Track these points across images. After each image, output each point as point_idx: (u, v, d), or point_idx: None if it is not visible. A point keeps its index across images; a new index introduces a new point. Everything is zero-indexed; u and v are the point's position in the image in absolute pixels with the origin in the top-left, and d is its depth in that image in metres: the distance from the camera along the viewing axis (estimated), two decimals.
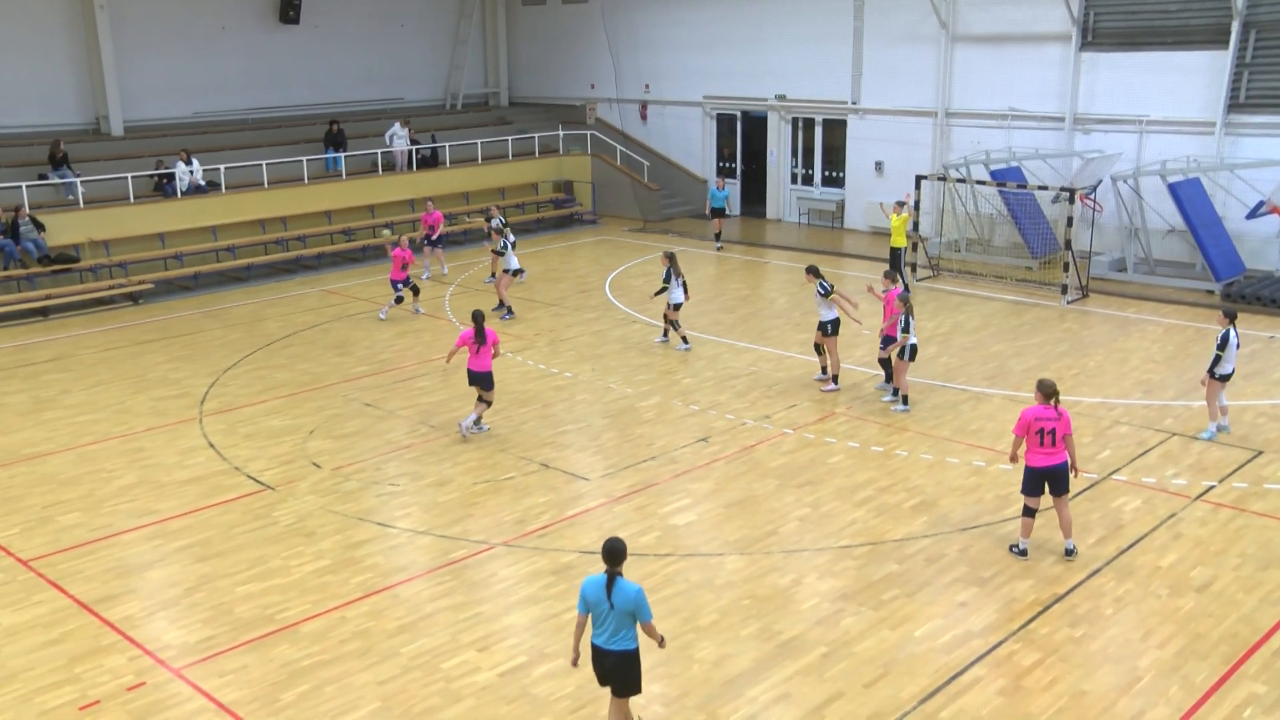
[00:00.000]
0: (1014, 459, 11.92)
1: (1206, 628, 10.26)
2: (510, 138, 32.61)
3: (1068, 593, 10.94)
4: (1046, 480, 11.44)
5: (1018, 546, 11.73)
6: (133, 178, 25.03)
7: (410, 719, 9.04)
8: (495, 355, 15.08)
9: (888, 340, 16.27)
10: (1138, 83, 25.04)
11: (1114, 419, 15.61)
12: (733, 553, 11.84)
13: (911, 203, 24.37)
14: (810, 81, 30.75)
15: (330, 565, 11.67)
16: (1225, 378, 14.62)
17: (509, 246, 22.00)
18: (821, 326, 16.94)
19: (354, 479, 13.94)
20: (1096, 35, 25.68)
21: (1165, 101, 24.73)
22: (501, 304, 21.63)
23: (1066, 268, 22.77)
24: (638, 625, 8.12)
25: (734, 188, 33.53)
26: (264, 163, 26.99)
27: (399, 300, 21.66)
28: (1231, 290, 22.30)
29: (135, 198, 25.10)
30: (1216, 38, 23.94)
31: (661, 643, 8.29)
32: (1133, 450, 14.49)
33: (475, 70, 37.15)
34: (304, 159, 27.87)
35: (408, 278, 21.62)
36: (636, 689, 8.35)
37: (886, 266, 20.03)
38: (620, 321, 21.15)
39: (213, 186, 26.47)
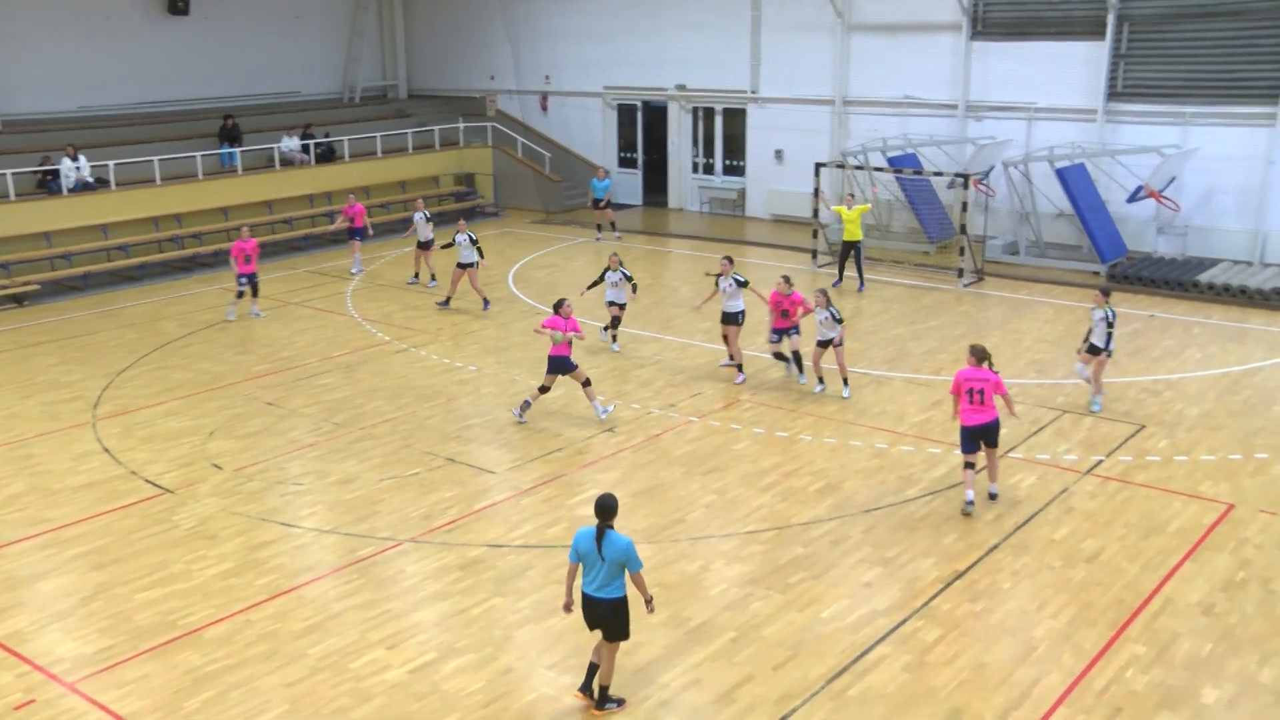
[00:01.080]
0: (955, 416, 12.64)
1: (1095, 596, 10.65)
2: (410, 131, 32.23)
3: (968, 569, 11.25)
4: (980, 436, 12.35)
5: (966, 500, 12.40)
6: (13, 174, 24.18)
7: None
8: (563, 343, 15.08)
9: (779, 334, 16.66)
10: (1025, 71, 25.72)
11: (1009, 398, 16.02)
12: (641, 541, 11.91)
13: (867, 196, 24.63)
14: (710, 71, 30.95)
15: (234, 568, 11.48)
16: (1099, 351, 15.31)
17: (468, 242, 21.48)
18: (731, 317, 17.06)
19: (257, 479, 13.71)
20: (986, 25, 26.30)
21: (1051, 90, 25.44)
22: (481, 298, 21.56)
23: (962, 252, 23.32)
24: (627, 575, 8.68)
25: (636, 178, 33.65)
26: (155, 158, 26.26)
27: (239, 295, 21.01)
28: (1115, 271, 23.06)
29: (16, 195, 24.26)
30: (1095, 29, 24.70)
31: (649, 603, 8.89)
32: (1027, 429, 14.92)
33: (373, 63, 36.63)
34: (198, 154, 27.19)
35: (253, 273, 20.97)
36: (625, 634, 8.90)
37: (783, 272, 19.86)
38: (524, 314, 21.10)
39: (101, 183, 25.70)
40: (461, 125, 33.31)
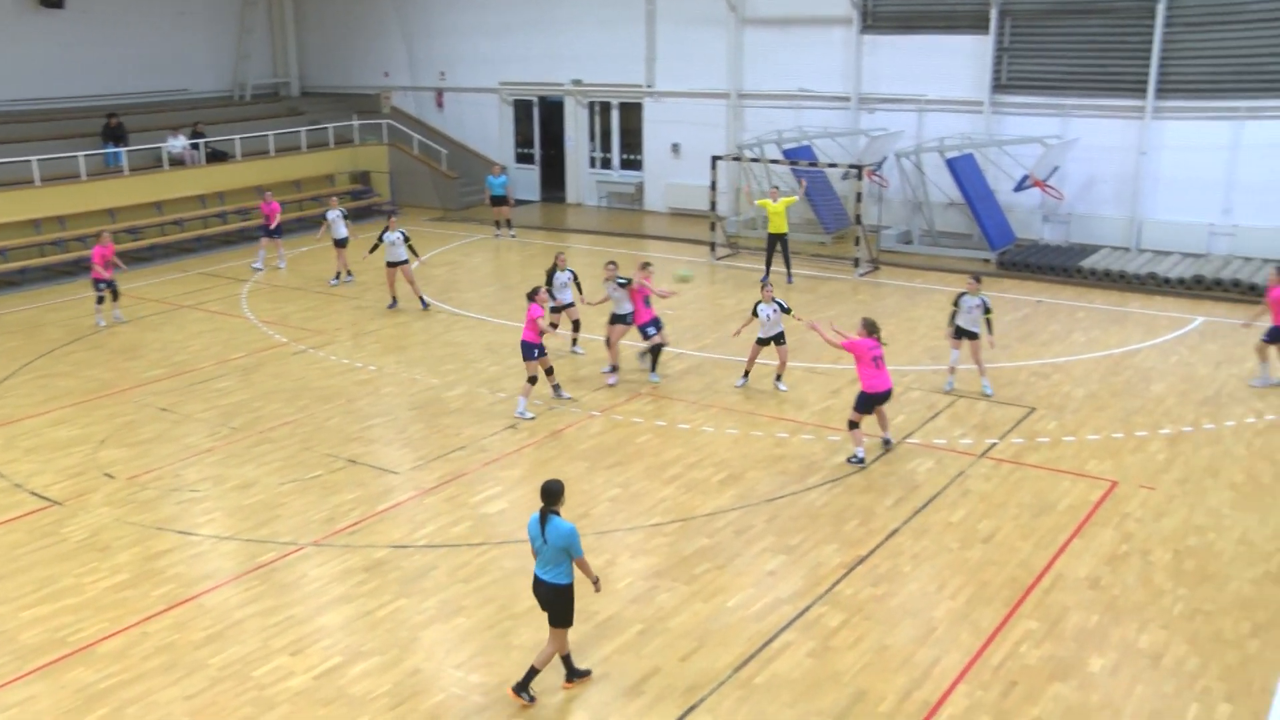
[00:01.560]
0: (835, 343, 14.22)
1: (991, 575, 10.97)
2: (303, 129, 31.63)
3: (869, 554, 11.48)
4: (880, 401, 13.80)
5: (856, 456, 13.62)
6: None
7: None
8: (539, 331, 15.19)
9: (646, 329, 16.60)
10: (915, 64, 26.27)
11: (906, 385, 16.39)
12: None
13: (794, 189, 24.80)
14: (605, 65, 30.98)
15: (128, 579, 11.19)
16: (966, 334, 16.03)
17: (400, 240, 21.05)
18: (620, 319, 16.79)
19: (151, 487, 13.38)
20: (876, 19, 26.78)
21: (940, 82, 26.03)
22: (408, 298, 21.17)
23: (857, 242, 23.74)
24: (573, 561, 8.88)
25: (533, 173, 33.55)
26: (34, 159, 25.35)
27: (100, 301, 20.42)
28: (1004, 258, 23.71)
29: None
30: (979, 23, 25.35)
31: (596, 584, 9.07)
32: (924, 414, 15.28)
33: (263, 60, 35.89)
34: (80, 154, 26.31)
35: (111, 278, 20.37)
36: (567, 621, 9.03)
37: (645, 259, 19.00)
38: (422, 313, 20.91)
39: None
40: (356, 123, 32.82)
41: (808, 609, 10.45)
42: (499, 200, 28.02)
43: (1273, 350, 16.12)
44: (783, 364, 16.44)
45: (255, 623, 10.34)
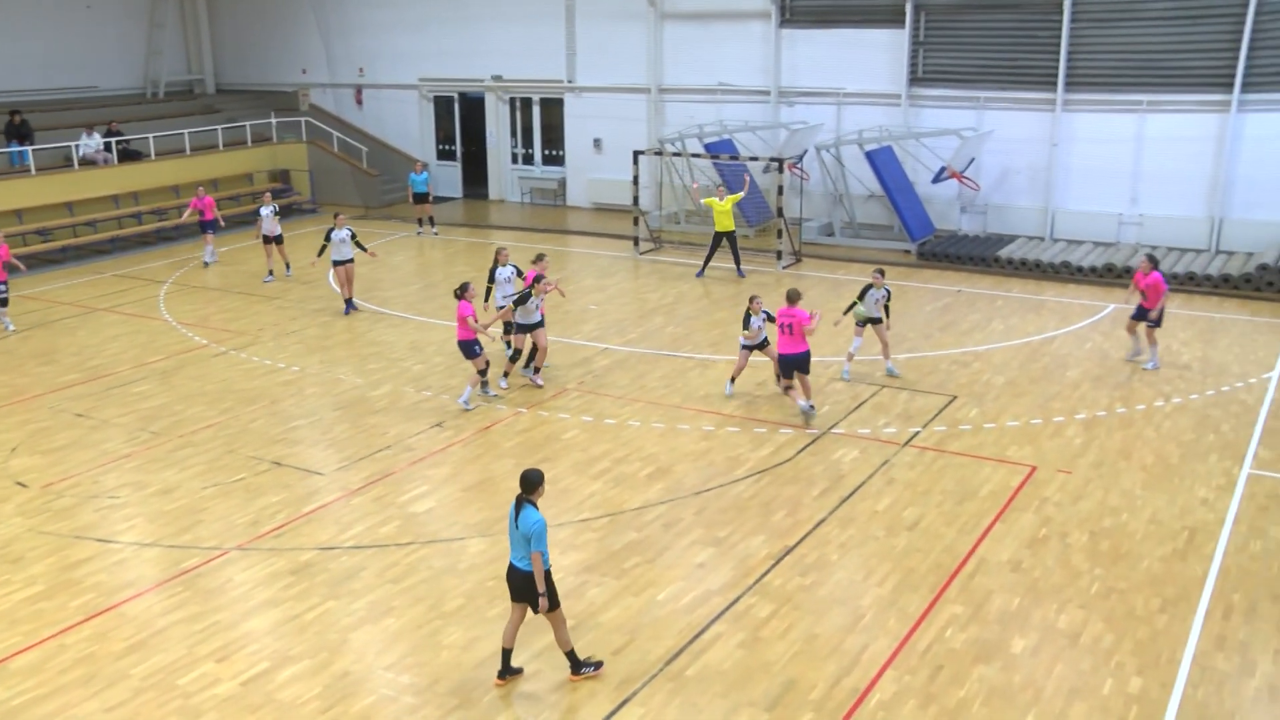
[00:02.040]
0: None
1: (917, 561, 11.16)
2: (220, 127, 31.03)
3: (797, 544, 11.61)
4: (793, 365, 14.72)
5: (802, 409, 14.77)
6: None
7: None
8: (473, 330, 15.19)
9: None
10: (833, 58, 26.57)
11: (830, 376, 16.60)
12: (474, 535, 11.89)
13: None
14: (526, 61, 30.87)
15: (44, 590, 10.91)
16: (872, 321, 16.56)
17: (348, 238, 20.52)
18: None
19: (68, 495, 13.07)
20: (794, 13, 27.03)
21: (858, 75, 26.36)
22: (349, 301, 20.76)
23: (780, 234, 23.96)
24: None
25: (455, 170, 33.34)
26: None
27: (3, 304, 19.97)
28: (924, 249, 24.10)
29: None
30: (895, 17, 25.72)
31: (540, 595, 8.91)
32: (848, 404, 15.48)
33: (176, 56, 35.17)
34: None
35: (4, 281, 19.94)
36: (552, 604, 9.03)
37: (539, 252, 17.54)
38: (347, 313, 20.66)
39: None
40: (274, 120, 32.32)
41: (737, 600, 10.55)
42: (421, 198, 27.77)
43: (1142, 327, 16.78)
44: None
45: (179, 630, 10.17)
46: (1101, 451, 13.78)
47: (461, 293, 15.24)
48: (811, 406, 14.85)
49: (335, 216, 21.07)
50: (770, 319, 15.35)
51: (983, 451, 13.84)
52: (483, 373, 15.58)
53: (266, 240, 23.18)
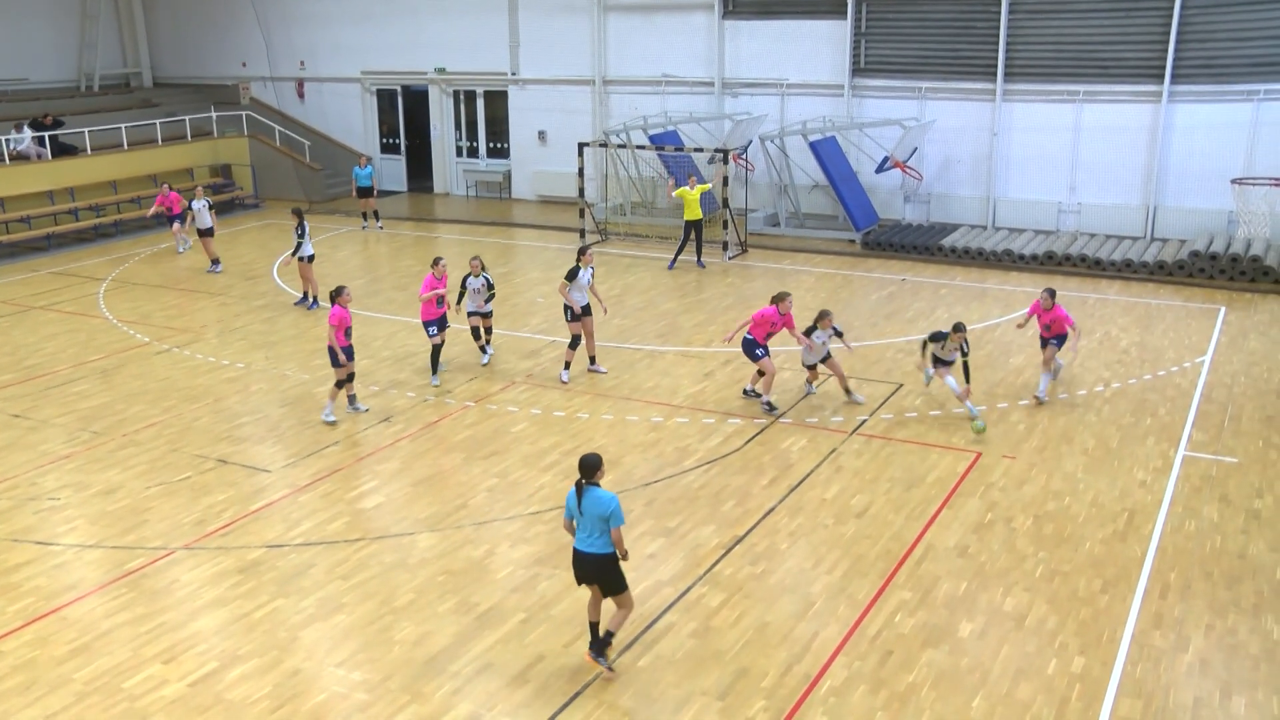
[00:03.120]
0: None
1: (866, 548, 11.28)
2: (158, 121, 30.53)
3: (747, 533, 11.69)
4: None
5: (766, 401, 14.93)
6: None
7: None
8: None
9: (429, 327, 15.97)
10: (776, 49, 26.72)
11: (778, 365, 16.67)
12: (424, 530, 11.85)
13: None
14: (469, 54, 30.72)
15: None
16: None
17: (303, 234, 20.22)
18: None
19: (5, 497, 12.82)
20: (736, 4, 27.14)
21: (801, 66, 26.53)
22: (307, 294, 20.60)
23: (726, 225, 24.05)
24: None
25: (399, 164, 33.10)
26: None
27: None
28: (869, 238, 24.32)
29: None
30: (837, 8, 25.92)
31: (624, 555, 8.99)
32: (796, 394, 15.59)
33: (112, 49, 34.56)
34: None
35: None
36: (621, 586, 9.07)
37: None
38: (290, 307, 20.47)
39: None
40: (214, 114, 31.85)
41: (688, 590, 10.60)
42: (365, 192, 27.51)
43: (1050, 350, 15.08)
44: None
45: (125, 632, 10.02)
46: (1044, 436, 14.01)
47: (336, 297, 14.82)
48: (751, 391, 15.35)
49: (299, 215, 20.52)
50: (838, 334, 15.06)
51: (929, 439, 14.01)
52: (340, 384, 14.94)
53: (201, 234, 23.38)
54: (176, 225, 25.17)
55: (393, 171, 33.18)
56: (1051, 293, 14.95)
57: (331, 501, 12.59)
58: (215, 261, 23.48)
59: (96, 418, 15.17)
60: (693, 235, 22.86)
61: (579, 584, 9.28)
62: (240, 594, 10.65)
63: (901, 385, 15.83)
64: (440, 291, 15.79)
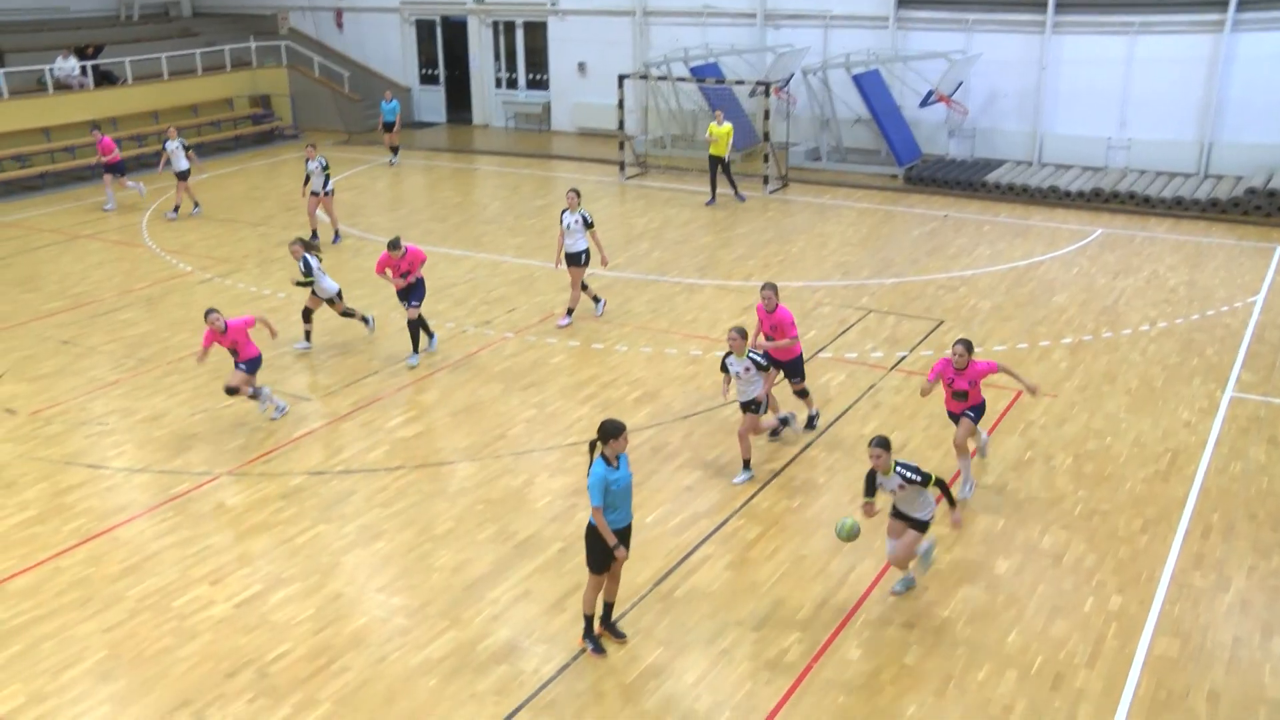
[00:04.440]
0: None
1: None
2: (198, 51, 30.47)
3: (784, 467, 11.71)
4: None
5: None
6: None
7: (143, 662, 8.73)
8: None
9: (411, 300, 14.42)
10: None
11: (817, 300, 16.62)
12: (463, 459, 11.96)
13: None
14: None
15: (37, 515, 10.96)
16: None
17: (319, 169, 19.92)
18: (574, 257, 15.61)
19: (56, 422, 13.06)
20: None
21: None
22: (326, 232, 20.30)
23: (766, 159, 23.80)
24: None
25: (439, 95, 32.93)
26: None
27: None
28: (911, 174, 24.00)
29: None
30: None
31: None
32: (835, 329, 15.52)
33: None
34: None
35: None
36: (588, 564, 8.67)
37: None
38: (332, 240, 20.51)
39: None
40: (254, 44, 31.71)
41: (725, 522, 10.66)
42: (388, 126, 27.30)
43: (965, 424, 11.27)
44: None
45: (172, 554, 10.24)
46: (1087, 375, 13.88)
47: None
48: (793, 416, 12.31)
49: (307, 149, 20.51)
50: (763, 367, 11.27)
51: None
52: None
53: (178, 177, 22.16)
54: (109, 176, 22.83)
55: (432, 103, 33.03)
56: (967, 345, 10.75)
57: (371, 430, 12.73)
58: (183, 207, 22.40)
59: (142, 345, 15.36)
60: (718, 170, 22.50)
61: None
62: (283, 519, 10.83)
63: (942, 322, 15.69)
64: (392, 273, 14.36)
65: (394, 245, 14.18)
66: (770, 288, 12.10)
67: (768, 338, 12.15)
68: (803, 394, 12.50)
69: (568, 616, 9.20)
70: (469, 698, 8.26)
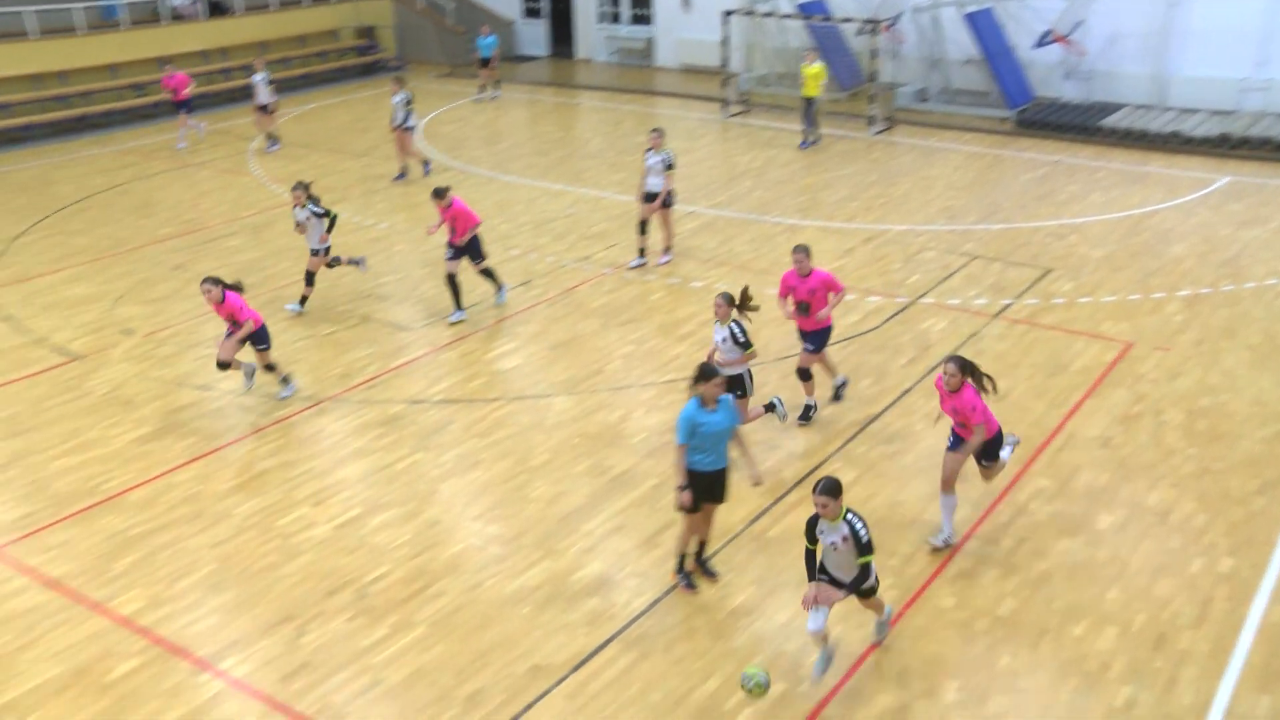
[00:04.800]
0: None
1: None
2: None
3: (881, 412, 11.56)
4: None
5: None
6: None
7: (248, 577, 9.02)
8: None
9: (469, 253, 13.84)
10: None
11: (920, 245, 16.29)
12: (560, 393, 12.03)
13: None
14: None
15: (152, 432, 11.34)
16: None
17: (404, 104, 19.85)
18: (650, 196, 15.28)
19: (169, 344, 13.46)
20: None
21: None
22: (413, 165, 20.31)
23: (872, 99, 23.28)
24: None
25: (541, 28, 32.78)
26: (28, 9, 24.71)
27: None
28: (1023, 117, 23.27)
29: None
30: None
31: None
32: (938, 274, 15.20)
33: None
34: (77, 5, 25.67)
35: None
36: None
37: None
38: (435, 169, 20.66)
39: None
40: None
41: (821, 465, 10.57)
42: (484, 62, 27.24)
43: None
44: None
45: (277, 475, 10.52)
46: (1204, 329, 13.39)
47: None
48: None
49: (395, 82, 20.24)
50: (740, 343, 10.25)
51: (1076, 326, 13.53)
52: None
53: (259, 110, 22.21)
54: (184, 114, 22.77)
55: (534, 36, 32.91)
56: (963, 365, 8.95)
57: (470, 361, 12.86)
58: (272, 139, 22.50)
59: (249, 271, 15.67)
60: (810, 111, 22.00)
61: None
62: (382, 446, 11.03)
63: (1049, 270, 15.26)
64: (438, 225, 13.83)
65: (438, 193, 13.59)
66: (803, 250, 10.97)
67: (801, 307, 11.01)
68: (804, 375, 11.22)
69: (660, 552, 9.25)
70: (560, 627, 8.37)
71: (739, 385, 10.29)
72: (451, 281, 13.83)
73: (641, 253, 15.68)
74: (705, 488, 8.53)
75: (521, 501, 10.05)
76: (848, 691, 7.74)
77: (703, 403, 8.31)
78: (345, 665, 8.02)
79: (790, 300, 11.20)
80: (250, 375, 12.05)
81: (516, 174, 20.28)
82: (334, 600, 8.71)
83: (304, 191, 13.99)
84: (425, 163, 20.51)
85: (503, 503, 10.03)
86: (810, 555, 7.67)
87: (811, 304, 11.02)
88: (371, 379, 12.46)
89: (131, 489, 10.31)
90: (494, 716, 7.52)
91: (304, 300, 14.31)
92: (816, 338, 11.27)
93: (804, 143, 22.15)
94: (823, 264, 15.40)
